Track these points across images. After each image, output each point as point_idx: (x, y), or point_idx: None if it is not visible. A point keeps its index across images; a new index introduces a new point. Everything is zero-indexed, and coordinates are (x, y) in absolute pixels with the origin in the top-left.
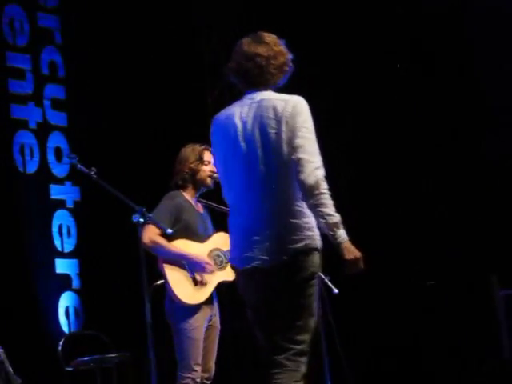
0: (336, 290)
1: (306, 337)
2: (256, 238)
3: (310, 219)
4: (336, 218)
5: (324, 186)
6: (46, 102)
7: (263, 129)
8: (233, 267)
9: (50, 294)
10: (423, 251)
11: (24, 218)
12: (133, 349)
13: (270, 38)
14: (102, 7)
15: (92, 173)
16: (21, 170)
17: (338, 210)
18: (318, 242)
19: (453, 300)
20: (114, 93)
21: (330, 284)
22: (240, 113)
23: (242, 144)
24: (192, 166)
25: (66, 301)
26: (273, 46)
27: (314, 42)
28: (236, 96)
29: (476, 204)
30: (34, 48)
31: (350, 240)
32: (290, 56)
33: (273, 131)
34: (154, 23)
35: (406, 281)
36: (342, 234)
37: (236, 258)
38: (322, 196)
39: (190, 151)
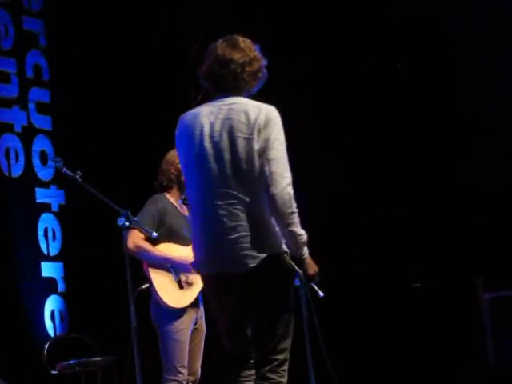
0: (322, 293)
1: (287, 344)
2: (220, 242)
3: (275, 226)
4: (305, 236)
5: (295, 205)
6: (31, 106)
7: (232, 132)
8: (197, 272)
9: (36, 297)
10: (409, 254)
11: (9, 222)
12: (118, 352)
13: (244, 43)
14: (87, 10)
15: (77, 176)
16: (6, 173)
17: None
18: (284, 246)
19: (438, 303)
20: (99, 96)
21: (315, 287)
22: (209, 113)
23: (208, 145)
24: (178, 166)
25: (51, 304)
26: (248, 51)
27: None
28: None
29: (462, 207)
30: (18, 51)
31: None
32: (264, 62)
33: (242, 136)
34: (139, 25)
35: (392, 283)
36: (306, 251)
37: (199, 262)
38: (294, 215)
39: (176, 153)
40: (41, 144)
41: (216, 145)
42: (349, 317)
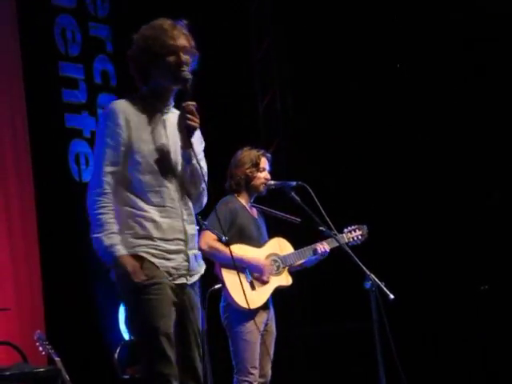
0: (392, 296)
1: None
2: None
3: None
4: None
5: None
6: (100, 111)
7: None
8: None
9: (110, 301)
10: (477, 256)
11: (81, 227)
12: None
13: None
14: (152, 15)
15: None
16: (76, 178)
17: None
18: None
19: (507, 304)
20: None
21: (385, 290)
22: None
23: None
24: (247, 171)
25: None
26: None
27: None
28: (287, 101)
29: None
30: (86, 57)
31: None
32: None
33: None
34: (204, 28)
35: (461, 286)
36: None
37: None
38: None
39: (246, 155)
40: None
41: None
42: (419, 319)
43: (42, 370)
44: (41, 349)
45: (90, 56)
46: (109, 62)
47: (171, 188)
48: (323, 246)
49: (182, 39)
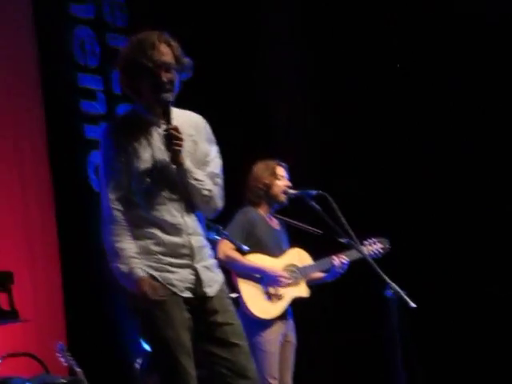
0: (413, 304)
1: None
2: None
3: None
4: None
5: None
6: None
7: None
8: None
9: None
10: (499, 266)
11: (101, 238)
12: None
13: None
14: (171, 25)
15: None
16: (96, 189)
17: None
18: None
19: None
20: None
21: (406, 298)
22: None
23: None
24: (266, 181)
25: None
26: None
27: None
28: (299, 109)
29: None
30: (105, 68)
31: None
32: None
33: None
34: (222, 38)
35: (484, 293)
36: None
37: None
38: None
39: (263, 167)
40: None
41: None
42: (440, 328)
43: (64, 380)
44: (62, 360)
45: (108, 67)
46: None
47: (173, 204)
48: (340, 259)
49: (165, 55)
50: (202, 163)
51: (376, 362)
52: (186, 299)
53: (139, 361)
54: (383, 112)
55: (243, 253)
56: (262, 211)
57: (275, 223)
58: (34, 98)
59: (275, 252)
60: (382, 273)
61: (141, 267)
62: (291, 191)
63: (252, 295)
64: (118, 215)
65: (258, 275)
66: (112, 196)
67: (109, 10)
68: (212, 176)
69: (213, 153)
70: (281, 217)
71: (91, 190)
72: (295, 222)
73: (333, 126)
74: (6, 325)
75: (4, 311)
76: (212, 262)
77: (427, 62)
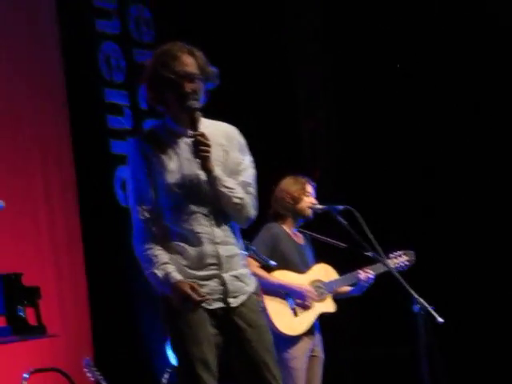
0: (440, 319)
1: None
2: None
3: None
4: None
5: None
6: None
7: None
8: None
9: (158, 326)
10: None
11: (127, 252)
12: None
13: None
14: (197, 39)
15: None
16: (122, 204)
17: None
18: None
19: None
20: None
21: (433, 313)
22: None
23: None
24: (295, 194)
25: None
26: None
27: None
28: (332, 126)
29: None
30: (131, 83)
31: None
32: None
33: None
34: (248, 54)
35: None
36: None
37: None
38: None
39: (292, 181)
40: None
41: None
42: (468, 343)
43: None
44: (89, 375)
45: (135, 82)
46: None
47: (201, 214)
48: (366, 273)
49: (188, 66)
50: (234, 172)
51: (404, 376)
52: (213, 313)
53: (166, 376)
54: (408, 127)
55: (270, 268)
56: (287, 226)
57: (300, 238)
58: (61, 114)
59: (301, 267)
60: (408, 287)
61: (176, 271)
62: (318, 206)
63: (278, 312)
64: (147, 225)
65: (283, 292)
66: (140, 208)
67: (135, 25)
68: (244, 185)
69: (245, 162)
70: (305, 231)
71: (117, 205)
72: (320, 236)
73: (358, 140)
74: (33, 340)
75: (31, 326)
76: (243, 271)
77: (459, 77)
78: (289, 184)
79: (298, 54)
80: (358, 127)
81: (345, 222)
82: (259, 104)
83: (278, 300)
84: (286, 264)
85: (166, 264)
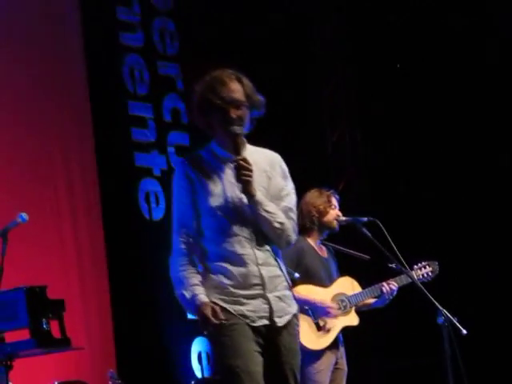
0: (465, 331)
1: None
2: None
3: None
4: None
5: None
6: (170, 149)
7: None
8: None
9: (182, 338)
10: None
11: (152, 265)
12: None
13: None
14: (221, 52)
15: None
16: (147, 217)
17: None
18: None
19: None
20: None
21: (458, 325)
22: None
23: None
24: (321, 207)
25: (198, 346)
26: None
27: None
28: (356, 138)
29: None
30: (155, 96)
31: None
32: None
33: None
34: (271, 66)
35: None
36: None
37: None
38: None
39: (317, 194)
40: None
41: None
42: (493, 354)
43: None
44: None
45: (159, 95)
46: (179, 101)
47: (243, 236)
48: (389, 286)
49: (235, 92)
50: (277, 198)
51: None
52: (257, 330)
53: None
54: (433, 138)
55: (294, 281)
56: (312, 239)
57: (324, 251)
58: (84, 126)
59: (325, 281)
60: (433, 299)
61: (203, 293)
62: (343, 218)
63: (302, 327)
64: (185, 249)
65: (307, 307)
66: (180, 229)
67: (159, 38)
68: (286, 210)
69: (288, 188)
70: (329, 244)
71: (141, 218)
72: (344, 249)
73: (382, 152)
74: (58, 352)
75: (56, 339)
76: (286, 293)
77: (489, 86)
78: (314, 197)
79: (322, 66)
80: (382, 139)
81: (369, 234)
82: (283, 116)
83: (302, 315)
84: (310, 278)
85: (195, 286)
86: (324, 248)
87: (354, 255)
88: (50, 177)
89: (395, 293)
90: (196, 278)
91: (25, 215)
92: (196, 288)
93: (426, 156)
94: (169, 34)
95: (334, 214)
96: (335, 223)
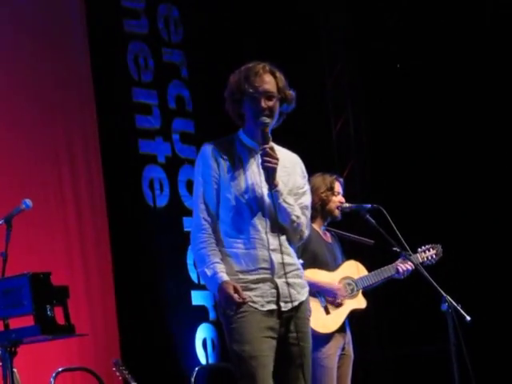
0: (469, 318)
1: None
2: None
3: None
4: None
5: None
6: (175, 136)
7: None
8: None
9: (187, 325)
10: None
11: (156, 252)
12: None
13: None
14: (226, 40)
15: None
16: (151, 204)
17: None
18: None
19: None
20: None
21: (462, 311)
22: None
23: None
24: (323, 195)
25: (202, 332)
26: None
27: None
28: (360, 125)
29: None
30: (159, 83)
31: None
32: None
33: None
34: (276, 54)
35: None
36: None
37: None
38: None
39: (320, 180)
40: (186, 174)
41: None
42: (497, 341)
43: None
44: (118, 374)
45: (163, 82)
46: (184, 87)
47: (259, 222)
48: (406, 265)
49: (267, 84)
50: (294, 194)
51: (433, 375)
52: (268, 314)
53: (194, 374)
54: (436, 125)
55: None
56: (316, 225)
57: (328, 237)
58: (88, 114)
59: (331, 265)
60: (437, 285)
61: (224, 271)
62: (346, 205)
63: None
64: (206, 225)
65: (315, 290)
66: (201, 206)
67: (163, 25)
68: (302, 207)
69: (306, 187)
70: (333, 229)
71: (145, 204)
72: (347, 234)
73: (386, 139)
74: (61, 339)
75: (60, 326)
76: (297, 281)
77: (495, 80)
78: (317, 183)
79: (326, 53)
80: (386, 126)
81: (373, 221)
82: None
83: (310, 298)
84: (316, 263)
85: (216, 264)
86: (328, 233)
87: (357, 240)
88: (54, 164)
89: (409, 272)
90: (217, 256)
91: (29, 202)
92: (217, 266)
93: (429, 143)
94: (173, 20)
95: (337, 201)
96: (337, 212)
